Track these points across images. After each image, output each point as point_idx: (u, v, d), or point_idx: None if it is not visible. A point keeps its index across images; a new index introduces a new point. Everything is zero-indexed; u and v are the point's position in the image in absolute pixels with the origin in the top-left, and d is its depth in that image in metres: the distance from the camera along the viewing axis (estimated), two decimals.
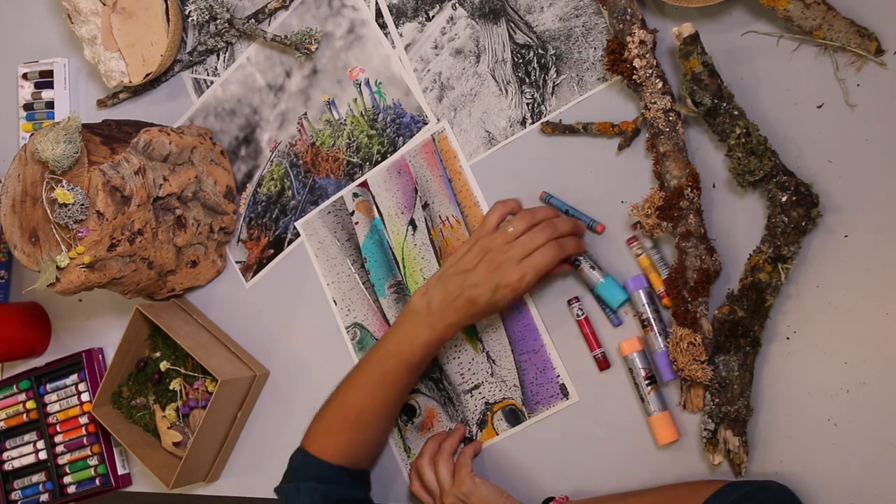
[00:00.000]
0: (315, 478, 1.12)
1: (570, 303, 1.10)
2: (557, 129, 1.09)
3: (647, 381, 1.04)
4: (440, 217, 1.17)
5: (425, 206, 1.18)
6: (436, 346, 1.09)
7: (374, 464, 1.22)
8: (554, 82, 1.10)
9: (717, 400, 0.99)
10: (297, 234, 1.27)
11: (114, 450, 1.39)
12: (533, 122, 1.11)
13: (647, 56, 1.00)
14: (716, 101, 0.96)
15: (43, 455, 1.43)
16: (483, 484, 1.09)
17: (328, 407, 1.15)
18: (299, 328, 1.28)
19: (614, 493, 1.05)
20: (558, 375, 1.11)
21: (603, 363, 1.08)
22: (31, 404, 1.43)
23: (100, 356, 1.42)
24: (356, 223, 1.23)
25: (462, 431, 1.17)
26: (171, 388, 1.31)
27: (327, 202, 1.24)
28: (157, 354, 1.33)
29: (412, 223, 1.19)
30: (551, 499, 1.07)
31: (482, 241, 1.05)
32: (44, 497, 1.42)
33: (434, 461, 1.14)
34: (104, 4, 1.31)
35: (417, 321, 1.08)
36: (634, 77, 1.01)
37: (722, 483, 0.95)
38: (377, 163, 1.21)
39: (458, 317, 1.06)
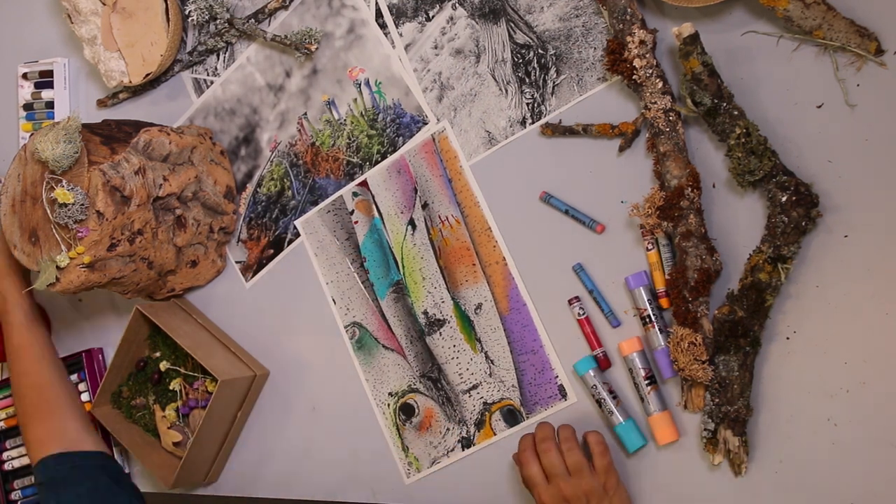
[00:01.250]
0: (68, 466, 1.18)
1: (570, 302, 1.10)
2: (557, 130, 1.09)
3: (646, 381, 1.04)
4: (440, 217, 1.17)
5: (425, 205, 1.18)
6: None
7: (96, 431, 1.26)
8: (554, 82, 1.10)
9: (717, 400, 0.99)
10: (297, 234, 1.27)
11: (114, 449, 1.39)
12: (533, 122, 1.11)
13: (647, 56, 1.00)
14: (716, 101, 0.96)
15: None
16: (624, 488, 1.01)
17: (19, 411, 1.25)
18: (299, 328, 1.28)
19: None
20: (557, 376, 1.11)
21: (604, 363, 1.08)
22: None
23: (100, 356, 1.42)
24: (356, 222, 1.23)
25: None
26: (170, 388, 1.31)
27: (327, 201, 1.25)
28: (157, 354, 1.33)
29: (411, 223, 1.19)
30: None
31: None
32: None
33: (564, 443, 1.02)
34: (104, 4, 1.31)
35: None
36: (634, 77, 1.01)
37: None
38: (377, 163, 1.21)
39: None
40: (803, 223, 0.95)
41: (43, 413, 1.20)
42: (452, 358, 1.18)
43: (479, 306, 1.15)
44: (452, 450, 1.18)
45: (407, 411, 1.21)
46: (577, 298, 1.09)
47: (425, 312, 1.19)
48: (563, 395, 1.11)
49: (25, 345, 1.22)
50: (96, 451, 1.23)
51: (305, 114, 1.26)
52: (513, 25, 1.12)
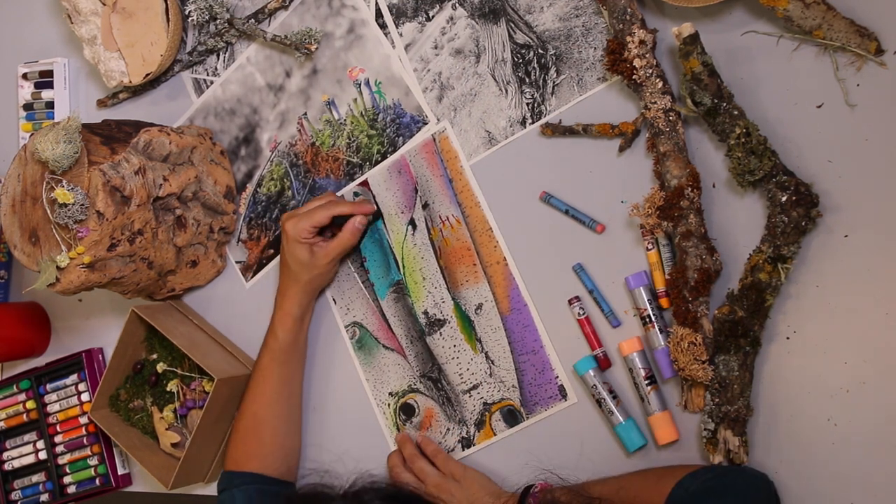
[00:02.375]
0: (243, 484, 1.18)
1: (570, 302, 1.10)
2: (557, 130, 1.09)
3: (647, 381, 1.04)
4: (440, 217, 1.17)
5: (425, 205, 1.18)
6: (293, 316, 1.17)
7: (295, 467, 1.24)
8: (554, 82, 1.10)
9: (717, 400, 0.99)
10: None
11: (114, 450, 1.39)
12: (533, 122, 1.11)
13: (647, 56, 1.00)
14: (716, 100, 0.96)
15: (43, 455, 1.42)
16: (472, 469, 1.13)
17: (233, 424, 1.23)
18: None
19: (594, 478, 1.06)
20: (557, 376, 1.11)
21: (605, 362, 1.08)
22: (31, 404, 1.43)
23: (100, 356, 1.42)
24: None
25: (414, 436, 1.20)
26: (168, 389, 1.31)
27: None
28: (154, 356, 1.33)
29: (412, 223, 1.19)
30: (531, 485, 1.07)
31: None
32: (44, 497, 1.42)
33: (411, 464, 1.16)
34: (104, 4, 1.31)
35: (273, 311, 1.21)
36: (634, 77, 1.01)
37: (698, 466, 0.97)
38: (377, 163, 1.21)
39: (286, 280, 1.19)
40: (803, 223, 0.95)
41: (250, 441, 1.20)
42: (453, 358, 1.17)
43: (479, 306, 1.15)
44: (452, 450, 1.18)
45: (407, 411, 1.21)
46: (577, 298, 1.09)
47: (426, 312, 1.19)
48: (564, 395, 1.11)
49: (271, 376, 1.19)
50: (285, 481, 1.21)
51: (305, 114, 1.26)
52: (513, 25, 1.12)
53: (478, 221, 1.15)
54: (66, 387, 1.42)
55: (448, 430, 1.18)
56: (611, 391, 1.06)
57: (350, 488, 0.95)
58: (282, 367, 1.20)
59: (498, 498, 1.09)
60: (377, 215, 1.21)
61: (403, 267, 1.20)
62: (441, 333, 1.18)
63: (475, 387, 1.16)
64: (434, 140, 1.17)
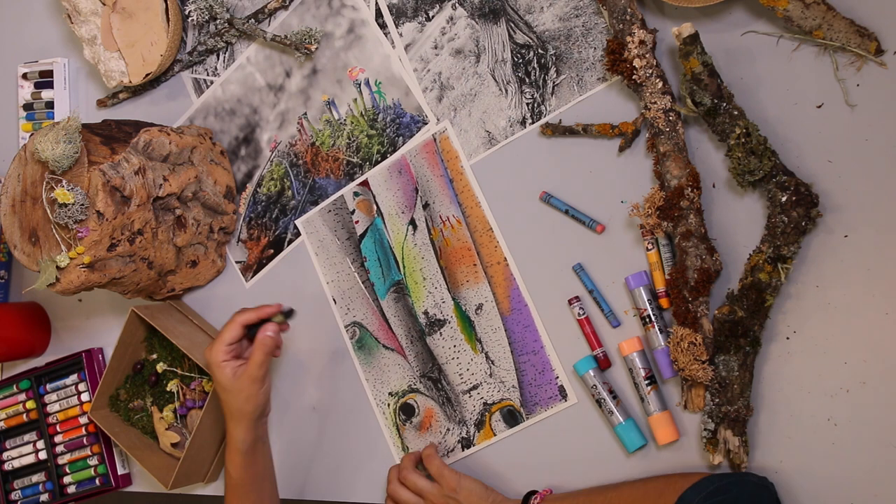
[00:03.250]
0: None
1: (570, 302, 1.10)
2: (557, 130, 1.09)
3: (646, 381, 1.04)
4: (441, 217, 1.17)
5: (426, 205, 1.18)
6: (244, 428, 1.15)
7: None
8: (554, 82, 1.10)
9: (717, 400, 0.99)
10: (297, 234, 1.27)
11: (114, 450, 1.39)
12: (533, 122, 1.11)
13: (647, 56, 1.00)
14: (716, 101, 0.96)
15: (43, 455, 1.42)
16: (467, 478, 1.11)
17: None
18: (299, 327, 1.28)
19: (594, 486, 1.05)
20: (557, 377, 1.11)
21: (604, 362, 1.08)
22: (31, 404, 1.43)
23: (100, 356, 1.42)
24: (356, 222, 1.23)
25: (416, 453, 1.18)
26: (168, 389, 1.31)
27: (328, 200, 1.25)
28: (154, 356, 1.33)
29: (412, 223, 1.19)
30: (534, 492, 1.07)
31: None
32: (44, 497, 1.42)
33: (402, 479, 1.15)
34: (104, 4, 1.31)
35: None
36: (634, 77, 1.01)
37: (698, 476, 0.96)
38: (377, 163, 1.21)
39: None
40: (803, 223, 0.95)
41: None
42: (453, 358, 1.18)
43: (479, 307, 1.15)
44: (452, 450, 1.18)
45: (407, 411, 1.21)
46: (577, 298, 1.09)
47: (426, 312, 1.19)
48: (564, 395, 1.11)
49: (239, 482, 1.17)
50: None
51: (305, 114, 1.26)
52: (513, 25, 1.12)
53: (478, 221, 1.15)
54: (66, 387, 1.42)
55: (448, 430, 1.18)
56: (611, 391, 1.06)
57: None
58: (243, 501, 1.17)
59: None
60: (289, 313, 1.16)
61: (404, 267, 1.20)
62: (441, 333, 1.18)
63: (475, 387, 1.16)
64: (435, 140, 1.17)
